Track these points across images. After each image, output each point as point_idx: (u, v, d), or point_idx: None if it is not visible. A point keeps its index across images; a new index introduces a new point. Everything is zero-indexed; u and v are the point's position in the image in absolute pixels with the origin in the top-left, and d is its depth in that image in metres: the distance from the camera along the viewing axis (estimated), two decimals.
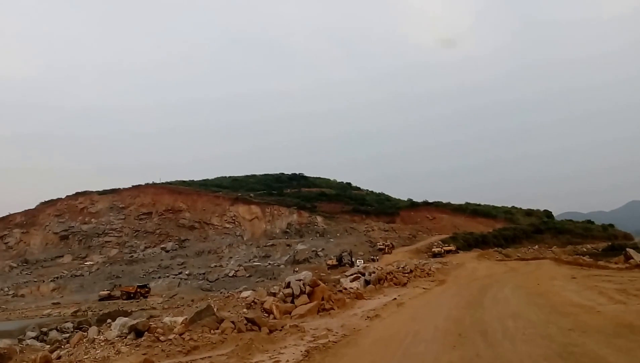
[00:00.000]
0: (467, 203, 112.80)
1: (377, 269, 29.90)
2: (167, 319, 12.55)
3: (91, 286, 77.00)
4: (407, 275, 30.25)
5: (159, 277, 78.38)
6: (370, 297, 21.84)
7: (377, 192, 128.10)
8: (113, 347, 11.40)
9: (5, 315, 62.03)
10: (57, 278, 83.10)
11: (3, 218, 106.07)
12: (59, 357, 11.92)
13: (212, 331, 12.28)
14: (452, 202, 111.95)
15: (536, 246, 77.70)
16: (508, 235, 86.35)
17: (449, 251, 67.53)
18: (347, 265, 61.22)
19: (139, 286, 67.33)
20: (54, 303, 68.04)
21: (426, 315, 15.19)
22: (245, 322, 13.04)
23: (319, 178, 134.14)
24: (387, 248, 76.33)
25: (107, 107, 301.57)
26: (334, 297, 18.54)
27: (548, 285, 21.75)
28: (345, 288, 22.22)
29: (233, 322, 12.79)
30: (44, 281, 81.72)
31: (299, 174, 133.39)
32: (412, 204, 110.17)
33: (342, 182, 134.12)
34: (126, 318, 12.08)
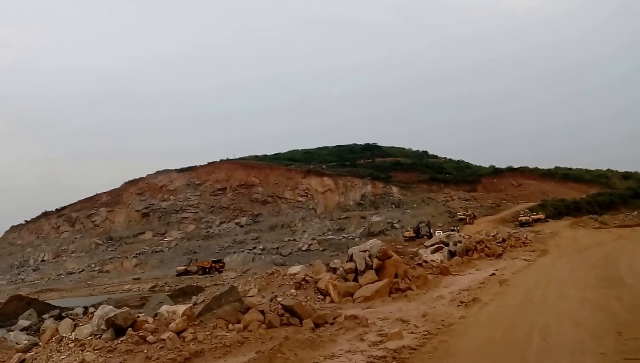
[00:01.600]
0: (557, 167, 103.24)
1: (464, 237, 25.22)
2: (164, 308, 8.78)
3: (170, 262, 78.32)
4: (500, 244, 25.43)
5: (234, 252, 78.16)
6: (459, 272, 17.37)
7: (456, 159, 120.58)
8: (82, 350, 7.99)
9: (89, 290, 64.61)
10: (139, 254, 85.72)
11: (90, 198, 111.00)
12: (21, 361, 8.67)
13: (229, 326, 8.57)
14: (540, 167, 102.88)
15: (635, 212, 70.24)
16: (603, 200, 78.54)
17: (537, 220, 62.16)
18: (424, 236, 57.21)
19: (213, 261, 67.22)
20: (134, 279, 69.89)
21: (547, 298, 10.55)
22: (280, 311, 9.15)
23: (393, 147, 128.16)
24: (468, 218, 71.13)
25: (182, 91, 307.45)
26: (412, 273, 14.19)
27: None
28: (426, 261, 17.77)
29: (262, 312, 8.94)
30: (127, 258, 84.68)
31: (373, 143, 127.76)
32: (494, 171, 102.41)
33: (417, 150, 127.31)
34: (109, 307, 8.44)
